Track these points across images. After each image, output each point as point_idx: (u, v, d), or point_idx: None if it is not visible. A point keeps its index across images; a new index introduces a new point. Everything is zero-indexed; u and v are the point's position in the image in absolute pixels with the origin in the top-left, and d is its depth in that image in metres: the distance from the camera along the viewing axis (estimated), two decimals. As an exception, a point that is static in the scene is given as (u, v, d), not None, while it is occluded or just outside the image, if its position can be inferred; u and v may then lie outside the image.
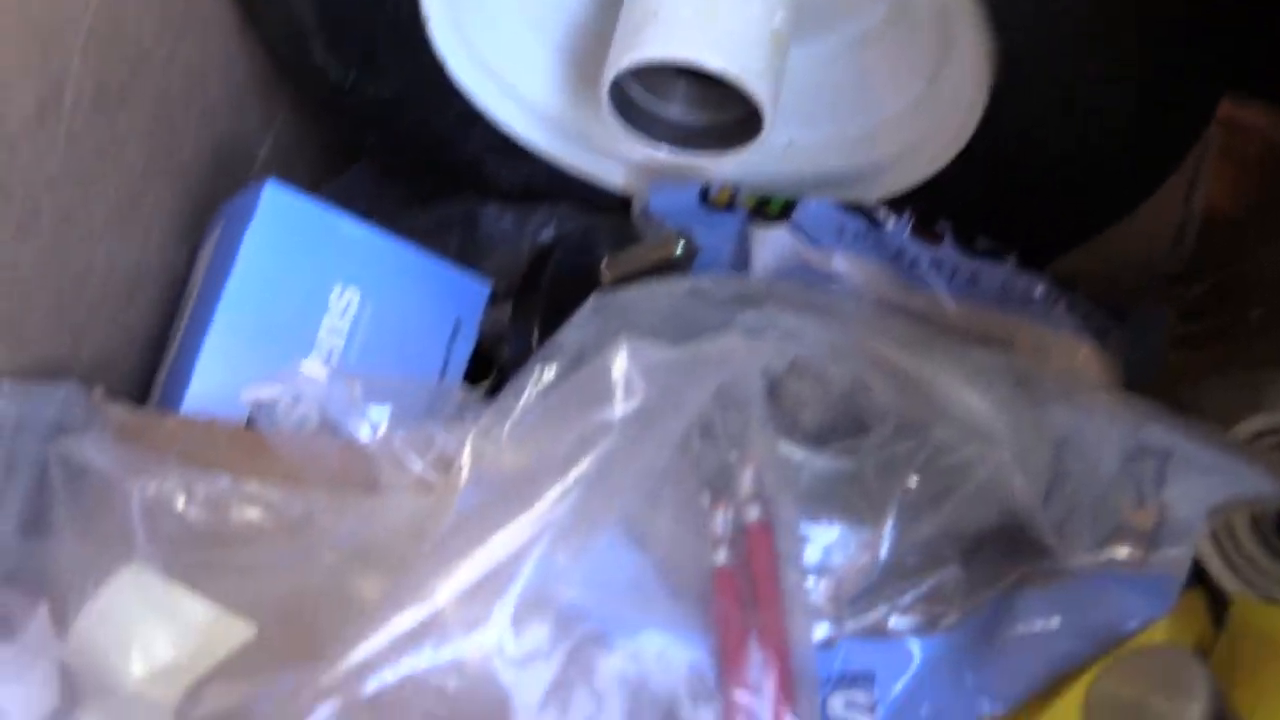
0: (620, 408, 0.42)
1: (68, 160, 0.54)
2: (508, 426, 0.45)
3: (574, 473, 0.41)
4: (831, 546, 0.47)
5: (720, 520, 0.46)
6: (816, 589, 0.47)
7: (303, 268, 0.61)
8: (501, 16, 0.67)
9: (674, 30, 0.55)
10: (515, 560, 0.39)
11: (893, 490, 0.47)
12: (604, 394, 0.42)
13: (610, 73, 0.57)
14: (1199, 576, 0.54)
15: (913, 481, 0.48)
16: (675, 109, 0.62)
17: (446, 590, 0.39)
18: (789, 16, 0.58)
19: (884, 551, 0.47)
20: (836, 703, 0.47)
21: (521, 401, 0.46)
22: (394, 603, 0.39)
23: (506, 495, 0.41)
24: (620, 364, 0.43)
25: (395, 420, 0.49)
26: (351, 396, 0.47)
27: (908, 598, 0.48)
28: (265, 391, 0.49)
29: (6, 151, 0.50)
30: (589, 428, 0.42)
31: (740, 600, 0.45)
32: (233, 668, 0.45)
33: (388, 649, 0.38)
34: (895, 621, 0.47)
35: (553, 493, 0.40)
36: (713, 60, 0.55)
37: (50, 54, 0.51)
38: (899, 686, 0.48)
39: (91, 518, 0.49)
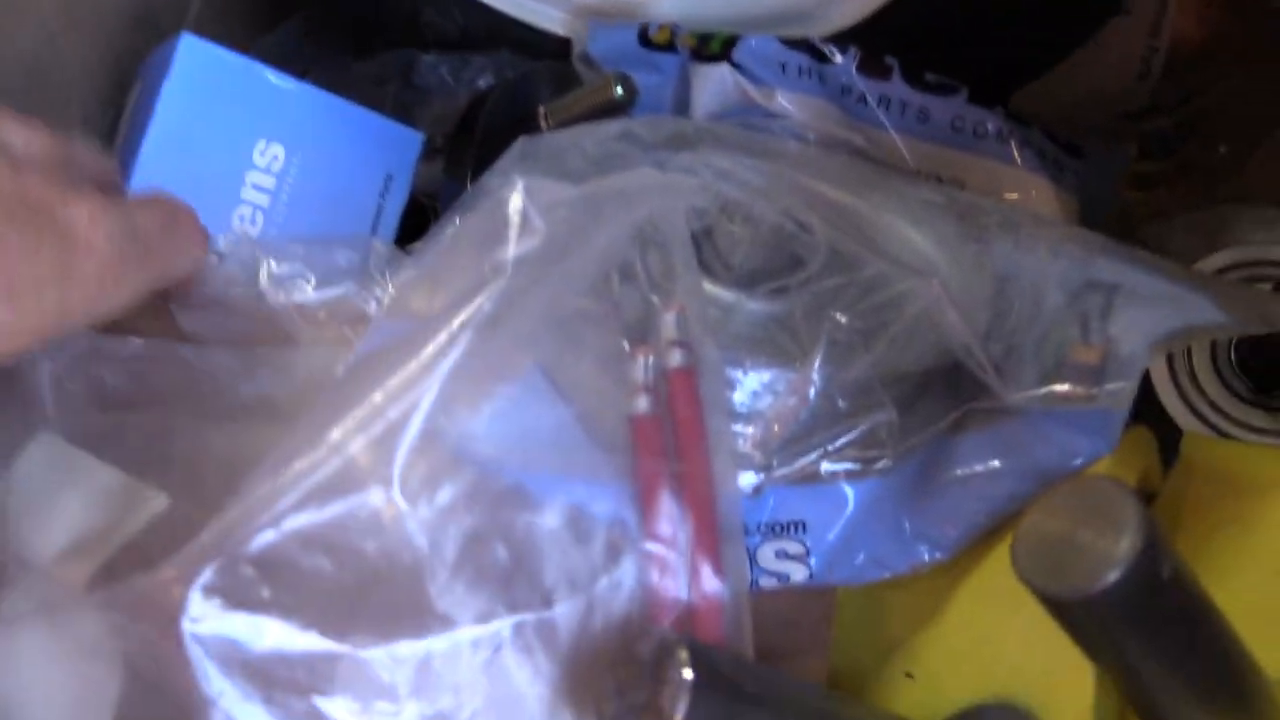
0: (515, 247, 0.40)
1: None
2: (413, 273, 0.43)
3: (461, 316, 0.38)
4: (759, 391, 0.46)
5: (641, 367, 0.44)
6: (743, 435, 0.45)
7: (223, 123, 0.59)
8: None
9: None
10: (407, 408, 0.37)
11: (821, 328, 0.45)
12: (498, 234, 0.40)
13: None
14: (1151, 414, 0.53)
15: (842, 319, 0.46)
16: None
17: (333, 440, 0.37)
18: None
19: (812, 393, 0.45)
20: (767, 552, 0.46)
21: (431, 248, 0.44)
22: (280, 455, 0.37)
23: (401, 342, 0.39)
24: (515, 202, 0.41)
25: (311, 277, 0.47)
26: (264, 257, 0.46)
27: (840, 441, 0.46)
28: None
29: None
30: (483, 269, 0.40)
31: (661, 450, 0.43)
32: (146, 538, 0.43)
33: (271, 502, 0.37)
34: (827, 466, 0.46)
35: (441, 337, 0.38)
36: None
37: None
38: (832, 534, 0.47)
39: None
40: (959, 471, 0.48)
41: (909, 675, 0.49)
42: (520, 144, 0.51)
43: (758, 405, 0.46)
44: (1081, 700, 0.44)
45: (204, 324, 0.47)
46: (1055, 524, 0.35)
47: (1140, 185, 0.74)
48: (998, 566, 0.47)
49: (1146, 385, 0.59)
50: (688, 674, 0.37)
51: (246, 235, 0.54)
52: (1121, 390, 0.46)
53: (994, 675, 0.46)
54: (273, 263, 0.46)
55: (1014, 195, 0.61)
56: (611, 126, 0.53)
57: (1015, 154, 0.61)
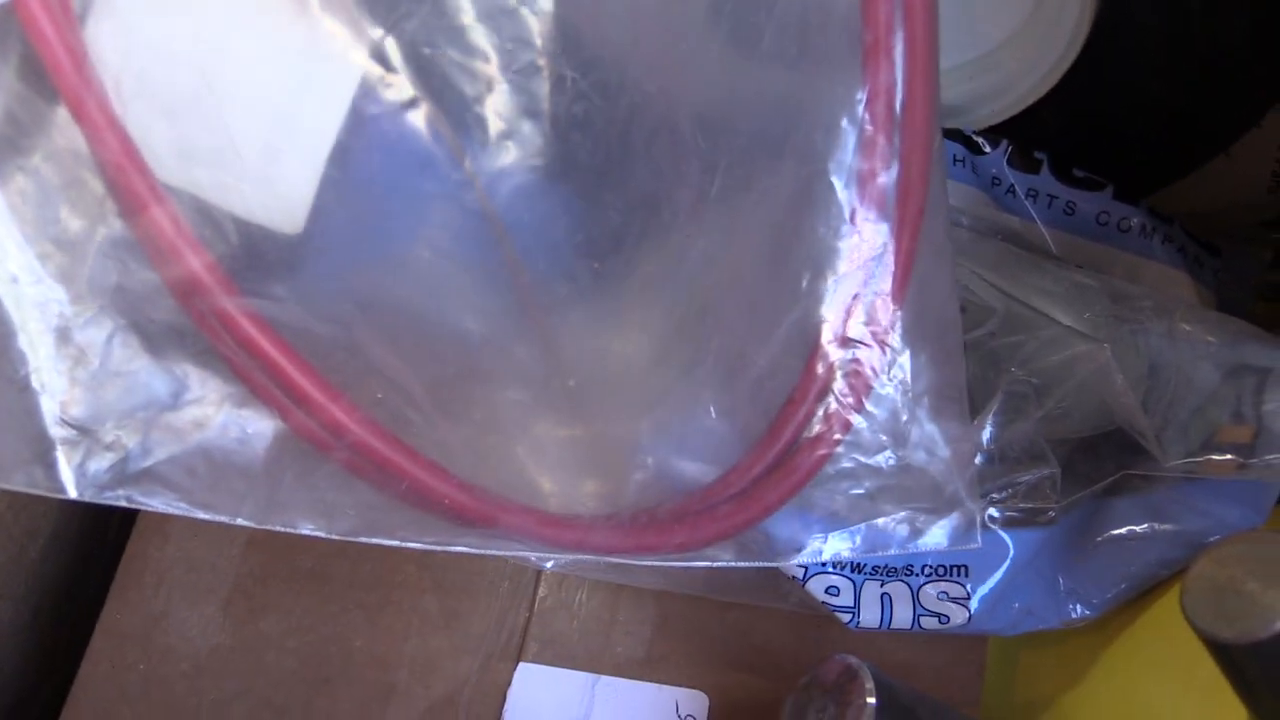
0: None
1: None
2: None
3: None
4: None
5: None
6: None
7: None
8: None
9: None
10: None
11: (997, 381, 0.47)
12: None
13: None
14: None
15: (1019, 372, 0.48)
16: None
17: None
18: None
19: (985, 440, 0.47)
20: (930, 593, 0.48)
21: None
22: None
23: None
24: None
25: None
26: None
27: (1005, 491, 0.48)
28: None
29: None
30: None
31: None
32: None
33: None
34: (992, 514, 0.48)
35: None
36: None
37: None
38: (992, 580, 0.48)
39: None
40: (1112, 533, 0.49)
41: (1057, 732, 0.50)
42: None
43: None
44: (1232, 760, 0.45)
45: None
46: (1224, 572, 0.37)
47: (1273, 296, 0.76)
48: (1148, 629, 0.49)
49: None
50: (871, 699, 0.39)
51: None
52: (1275, 461, 0.48)
53: (1143, 735, 0.48)
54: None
55: (1156, 287, 0.62)
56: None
57: (1157, 249, 0.63)
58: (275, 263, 0.37)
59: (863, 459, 0.43)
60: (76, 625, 0.53)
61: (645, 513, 0.41)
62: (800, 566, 0.46)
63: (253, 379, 0.37)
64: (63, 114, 0.33)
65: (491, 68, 0.37)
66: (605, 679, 0.50)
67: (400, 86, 0.36)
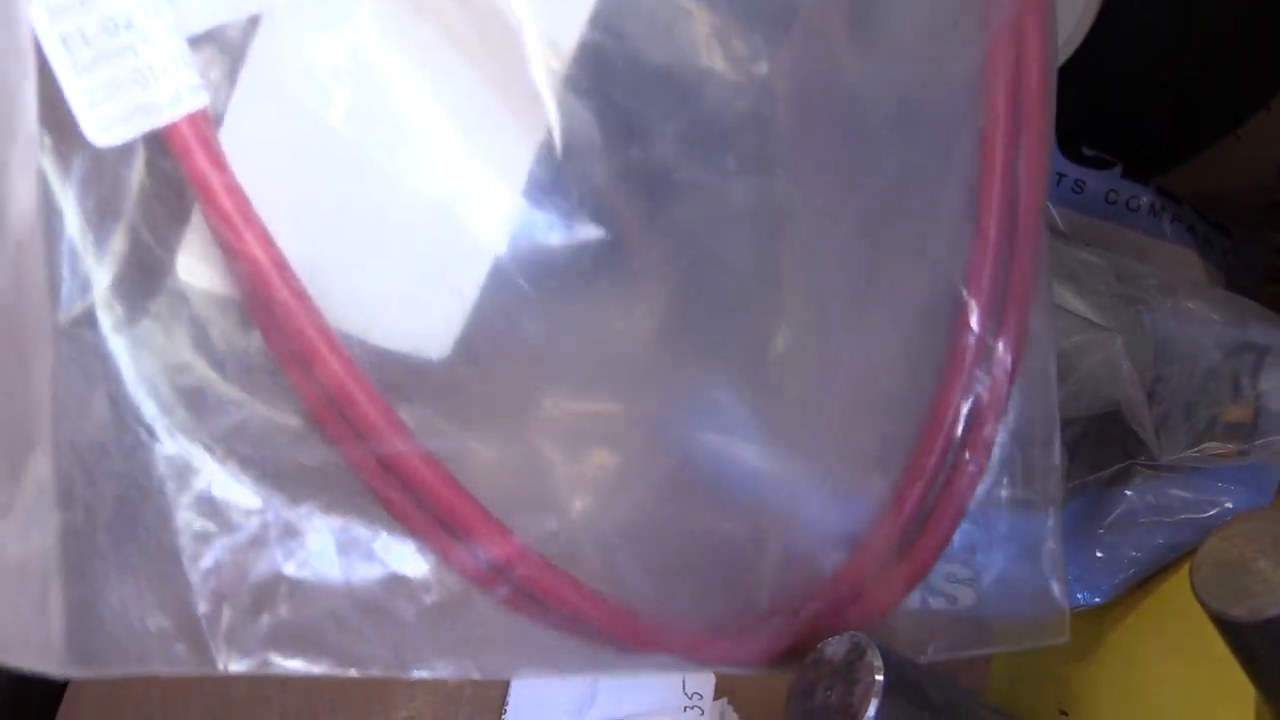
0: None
1: None
2: None
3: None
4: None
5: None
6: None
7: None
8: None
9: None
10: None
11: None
12: None
13: None
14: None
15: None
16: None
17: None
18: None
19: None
20: (938, 574, 0.48)
21: None
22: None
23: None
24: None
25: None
26: None
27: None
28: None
29: None
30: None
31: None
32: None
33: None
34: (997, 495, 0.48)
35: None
36: None
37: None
38: (1000, 563, 0.48)
39: None
40: (1118, 520, 0.49)
41: (1064, 713, 0.50)
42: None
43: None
44: (1239, 740, 0.45)
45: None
46: (1234, 550, 0.37)
47: (1276, 281, 0.76)
48: (1156, 610, 0.49)
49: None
50: (879, 676, 0.39)
51: None
52: (1274, 443, 0.48)
53: (1150, 715, 0.47)
54: None
55: (1164, 266, 0.62)
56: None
57: (1167, 228, 0.63)
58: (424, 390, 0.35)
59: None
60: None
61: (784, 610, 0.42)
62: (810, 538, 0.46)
63: (413, 519, 0.35)
64: (189, 250, 0.31)
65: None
66: (612, 657, 0.49)
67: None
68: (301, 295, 0.31)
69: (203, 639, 0.33)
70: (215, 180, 0.29)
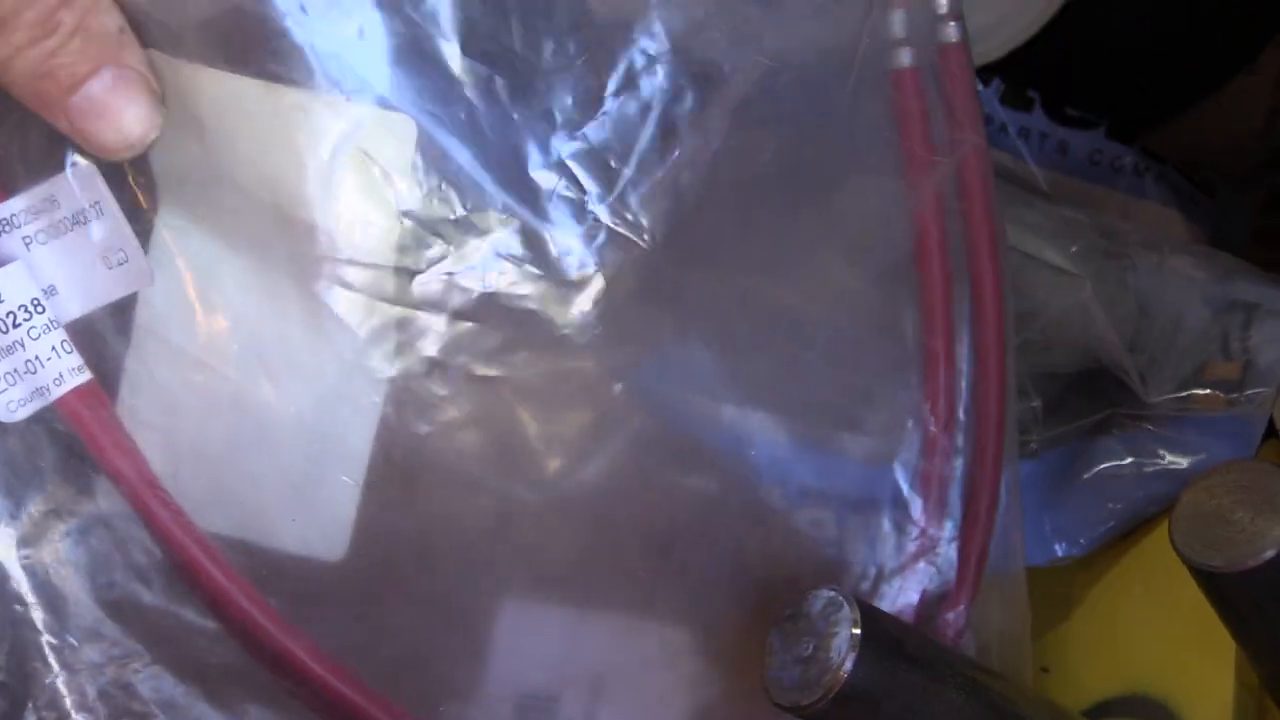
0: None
1: None
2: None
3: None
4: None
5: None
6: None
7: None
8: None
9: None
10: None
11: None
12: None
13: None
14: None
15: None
16: None
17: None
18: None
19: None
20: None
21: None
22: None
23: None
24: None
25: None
26: None
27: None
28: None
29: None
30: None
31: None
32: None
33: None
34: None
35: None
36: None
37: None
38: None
39: None
40: (1098, 471, 0.49)
41: (1045, 670, 0.50)
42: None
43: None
44: (1220, 694, 0.45)
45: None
46: (1213, 502, 0.37)
47: (1267, 239, 0.75)
48: (1135, 563, 0.49)
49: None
50: (856, 630, 0.39)
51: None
52: (1261, 396, 0.48)
53: (1131, 670, 0.47)
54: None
55: (1148, 225, 0.62)
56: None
57: (1151, 188, 0.63)
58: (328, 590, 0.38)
59: None
60: None
61: None
62: (785, 500, 0.46)
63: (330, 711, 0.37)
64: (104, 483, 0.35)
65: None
66: (592, 613, 0.49)
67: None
68: (178, 513, 0.35)
69: None
70: (101, 437, 0.34)
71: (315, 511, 0.37)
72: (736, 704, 0.47)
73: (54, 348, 0.34)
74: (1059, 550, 0.49)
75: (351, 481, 0.37)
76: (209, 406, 0.36)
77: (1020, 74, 0.64)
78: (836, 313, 0.43)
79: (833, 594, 0.40)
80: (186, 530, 0.35)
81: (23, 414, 0.34)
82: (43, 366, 0.34)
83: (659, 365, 0.41)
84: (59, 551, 0.36)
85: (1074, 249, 0.52)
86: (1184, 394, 0.49)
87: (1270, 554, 0.35)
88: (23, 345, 0.33)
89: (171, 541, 0.35)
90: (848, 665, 0.38)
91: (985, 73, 0.64)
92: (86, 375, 0.34)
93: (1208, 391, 0.49)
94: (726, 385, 0.42)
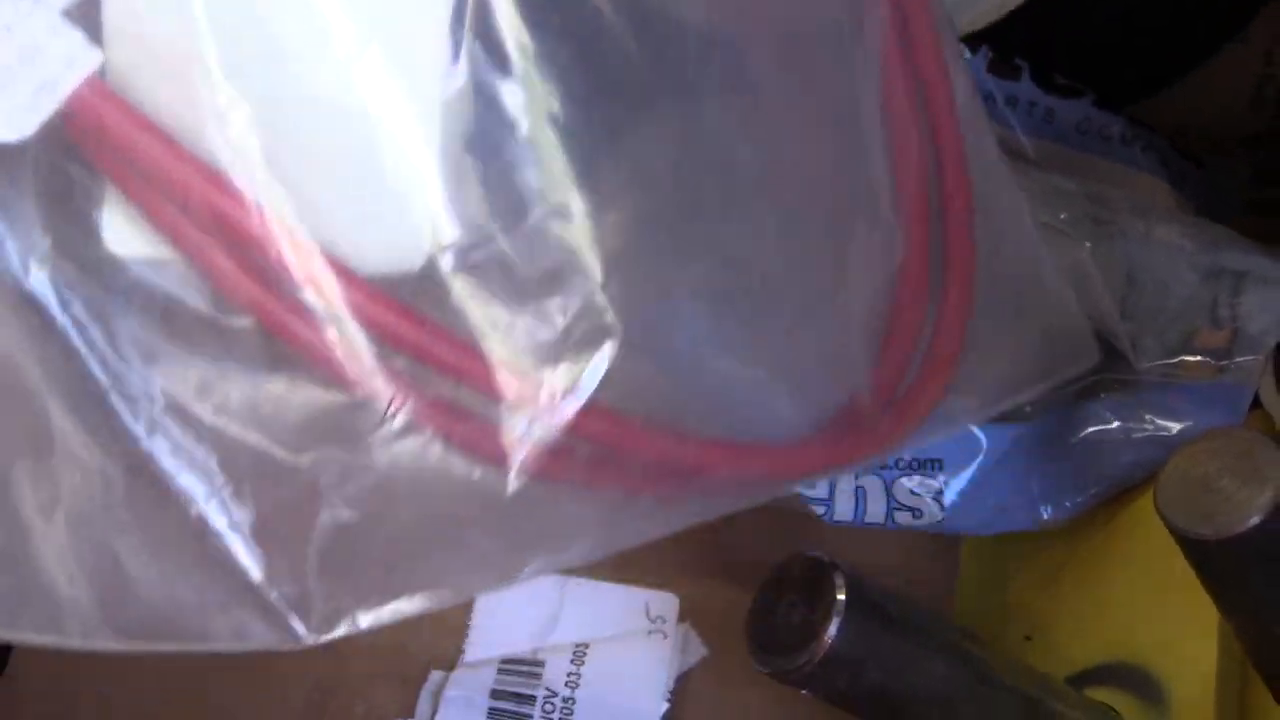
0: None
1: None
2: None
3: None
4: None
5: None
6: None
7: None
8: None
9: None
10: None
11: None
12: None
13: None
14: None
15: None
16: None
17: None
18: None
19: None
20: (904, 486, 0.48)
21: None
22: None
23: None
24: None
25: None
26: None
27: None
28: None
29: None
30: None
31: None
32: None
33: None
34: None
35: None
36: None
37: None
38: (965, 476, 0.48)
39: None
40: (1087, 435, 0.49)
41: (1028, 638, 0.50)
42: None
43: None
44: (1204, 663, 0.45)
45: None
46: (1199, 469, 0.37)
47: (1256, 211, 0.75)
48: (1121, 531, 0.49)
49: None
50: (841, 595, 0.39)
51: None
52: (1250, 364, 0.48)
53: (1114, 638, 0.47)
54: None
55: (1137, 194, 0.62)
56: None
57: (1139, 157, 0.63)
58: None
59: None
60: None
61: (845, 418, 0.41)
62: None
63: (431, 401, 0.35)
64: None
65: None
66: (575, 580, 0.49)
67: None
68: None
69: (273, 610, 0.33)
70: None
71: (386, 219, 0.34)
72: (721, 669, 0.47)
73: (50, 24, 0.27)
74: (1045, 513, 0.49)
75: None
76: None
77: (1008, 43, 0.64)
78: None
79: (818, 558, 0.40)
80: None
81: (33, 123, 0.28)
82: (43, 50, 0.27)
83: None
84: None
85: (1063, 216, 0.52)
86: (1173, 360, 0.48)
87: (1255, 521, 0.35)
88: (10, 29, 0.27)
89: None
90: (832, 630, 0.38)
91: (972, 41, 0.64)
92: (98, 55, 0.28)
93: (1197, 359, 0.49)
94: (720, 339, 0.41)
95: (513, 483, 0.35)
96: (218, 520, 0.33)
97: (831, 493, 0.47)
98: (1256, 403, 0.49)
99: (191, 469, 0.33)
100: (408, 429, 0.34)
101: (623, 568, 0.50)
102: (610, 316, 0.36)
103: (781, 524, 0.49)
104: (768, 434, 0.41)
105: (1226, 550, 0.36)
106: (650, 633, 0.49)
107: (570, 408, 0.35)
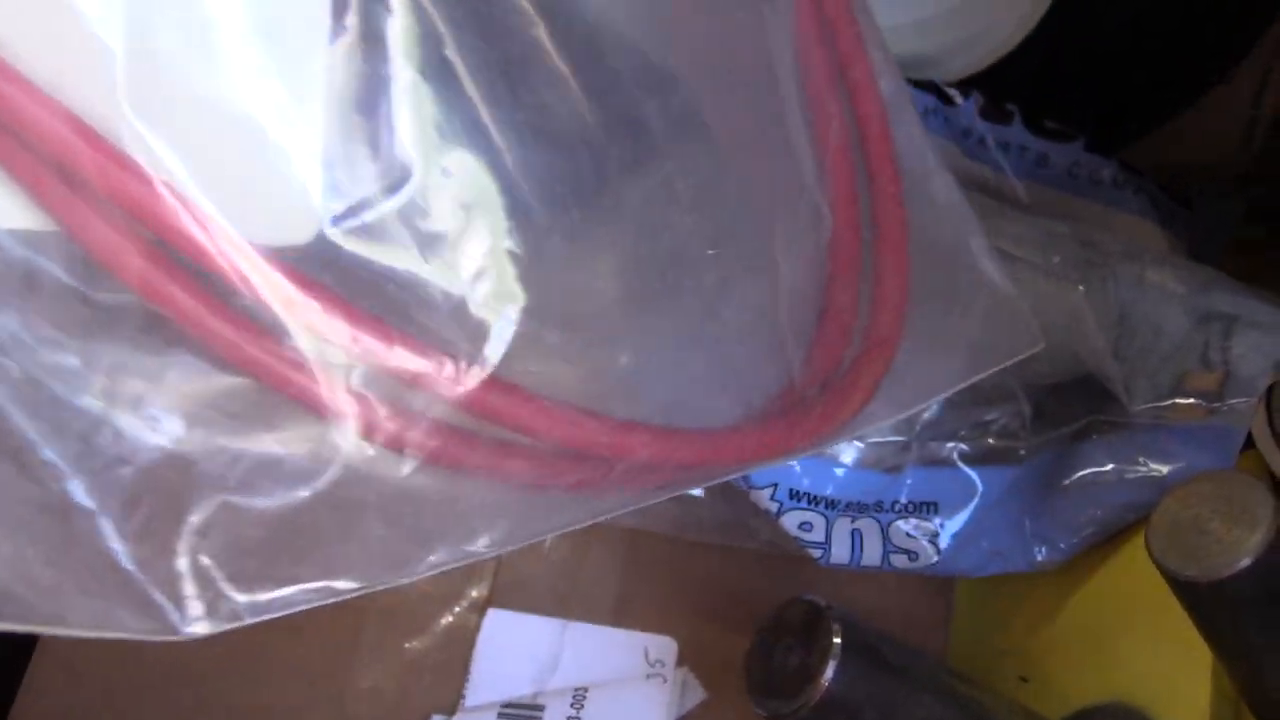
0: None
1: None
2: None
3: None
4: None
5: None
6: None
7: None
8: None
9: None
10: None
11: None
12: None
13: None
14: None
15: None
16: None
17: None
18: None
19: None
20: (900, 528, 0.48)
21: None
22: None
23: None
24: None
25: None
26: None
27: (975, 429, 0.48)
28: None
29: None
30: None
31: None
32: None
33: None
34: (961, 451, 0.48)
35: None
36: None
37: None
38: (961, 518, 0.48)
39: None
40: (1080, 477, 0.50)
41: (1024, 679, 0.50)
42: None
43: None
44: (1198, 702, 0.45)
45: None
46: (1189, 512, 0.37)
47: (1246, 250, 0.76)
48: (1115, 572, 0.49)
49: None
50: (836, 639, 0.39)
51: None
52: (1241, 405, 0.48)
53: (1110, 679, 0.48)
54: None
55: (1127, 237, 0.63)
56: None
57: (1129, 201, 0.64)
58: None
59: None
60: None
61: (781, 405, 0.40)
62: (774, 501, 0.46)
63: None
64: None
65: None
66: (574, 624, 0.50)
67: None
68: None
69: (143, 597, 0.31)
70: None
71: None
72: (719, 712, 0.48)
73: None
74: (1040, 555, 0.49)
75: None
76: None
77: (999, 88, 0.65)
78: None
79: (813, 603, 0.40)
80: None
81: None
82: None
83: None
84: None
85: (1056, 259, 0.52)
86: (1165, 403, 0.49)
87: (1245, 564, 0.36)
88: None
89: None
90: (828, 674, 0.39)
91: (965, 86, 0.65)
92: None
93: (1189, 401, 0.49)
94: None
95: (408, 466, 0.34)
96: (83, 499, 0.31)
97: (828, 536, 0.47)
98: (1249, 444, 0.50)
99: (55, 442, 0.31)
100: (294, 407, 0.33)
101: (621, 612, 0.50)
102: (512, 281, 0.35)
103: (779, 568, 0.50)
104: (696, 420, 0.39)
105: (1217, 592, 0.37)
106: (649, 676, 0.49)
107: (472, 381, 0.34)
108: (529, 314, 0.35)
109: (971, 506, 0.48)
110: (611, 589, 0.50)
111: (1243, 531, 0.36)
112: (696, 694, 0.50)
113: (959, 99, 0.64)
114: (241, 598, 0.32)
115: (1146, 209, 0.64)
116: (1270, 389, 0.53)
